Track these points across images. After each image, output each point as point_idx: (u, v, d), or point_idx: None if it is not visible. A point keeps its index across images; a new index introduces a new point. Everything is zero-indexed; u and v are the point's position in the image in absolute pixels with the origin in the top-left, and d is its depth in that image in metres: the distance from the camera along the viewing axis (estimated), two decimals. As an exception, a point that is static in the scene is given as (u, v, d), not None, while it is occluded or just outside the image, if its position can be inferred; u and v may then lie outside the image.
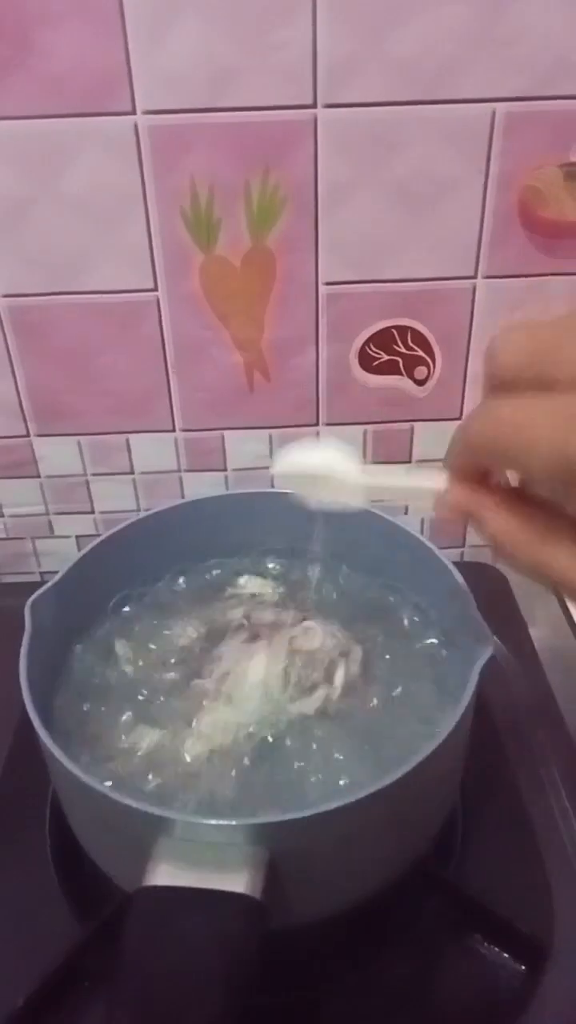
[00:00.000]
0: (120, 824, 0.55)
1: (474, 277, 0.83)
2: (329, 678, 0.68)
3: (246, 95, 0.72)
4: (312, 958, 0.62)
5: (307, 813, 0.51)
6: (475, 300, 0.84)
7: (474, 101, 0.73)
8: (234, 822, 0.53)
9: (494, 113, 0.74)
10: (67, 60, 0.70)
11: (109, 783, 0.60)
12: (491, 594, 0.73)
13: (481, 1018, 0.60)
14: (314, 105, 0.73)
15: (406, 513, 0.98)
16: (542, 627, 0.89)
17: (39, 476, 0.95)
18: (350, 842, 0.55)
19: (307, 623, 0.72)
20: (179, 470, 0.95)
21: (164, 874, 0.51)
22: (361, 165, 0.76)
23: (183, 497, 0.96)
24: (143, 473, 0.95)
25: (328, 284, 0.82)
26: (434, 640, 0.73)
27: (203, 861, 0.51)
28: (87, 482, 0.95)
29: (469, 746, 0.64)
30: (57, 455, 0.93)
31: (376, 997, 0.61)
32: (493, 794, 0.71)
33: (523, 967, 0.61)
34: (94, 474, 0.95)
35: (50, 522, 0.99)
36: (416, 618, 0.76)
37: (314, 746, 0.65)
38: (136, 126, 0.73)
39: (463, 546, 1.03)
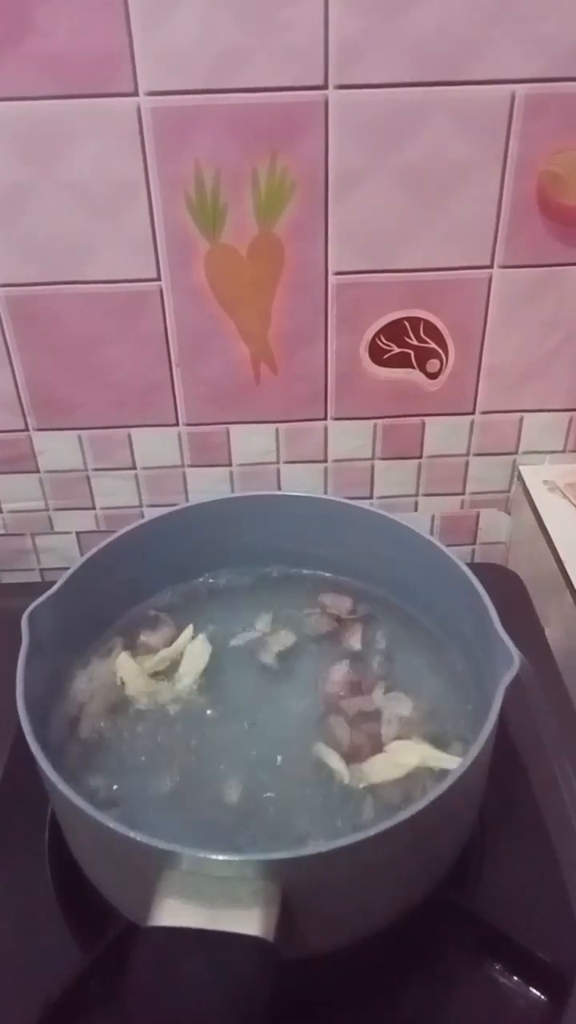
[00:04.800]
0: (124, 856, 0.52)
1: (490, 267, 0.81)
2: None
3: (253, 76, 0.70)
4: (324, 988, 0.60)
5: (322, 849, 0.49)
6: (491, 291, 0.82)
7: (492, 82, 0.71)
8: (244, 857, 0.50)
9: (513, 95, 0.72)
10: (67, 39, 0.68)
11: (114, 810, 0.58)
12: (505, 596, 0.70)
13: (501, 1051, 0.57)
14: (325, 86, 0.71)
15: (415, 509, 0.97)
16: (557, 628, 0.86)
17: (38, 471, 0.92)
18: (367, 875, 0.53)
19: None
20: (183, 465, 0.93)
21: (171, 912, 0.48)
22: (373, 149, 0.74)
23: (186, 493, 0.94)
24: (145, 468, 0.93)
25: (338, 274, 0.80)
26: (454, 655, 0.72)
27: (212, 897, 0.49)
28: (88, 477, 0.93)
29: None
30: (57, 450, 0.91)
31: (392, 1029, 0.59)
32: (513, 812, 0.69)
33: (545, 998, 0.59)
34: (95, 469, 0.93)
35: (50, 518, 0.97)
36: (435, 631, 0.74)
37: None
38: (139, 108, 0.71)
39: (474, 543, 1.01)
